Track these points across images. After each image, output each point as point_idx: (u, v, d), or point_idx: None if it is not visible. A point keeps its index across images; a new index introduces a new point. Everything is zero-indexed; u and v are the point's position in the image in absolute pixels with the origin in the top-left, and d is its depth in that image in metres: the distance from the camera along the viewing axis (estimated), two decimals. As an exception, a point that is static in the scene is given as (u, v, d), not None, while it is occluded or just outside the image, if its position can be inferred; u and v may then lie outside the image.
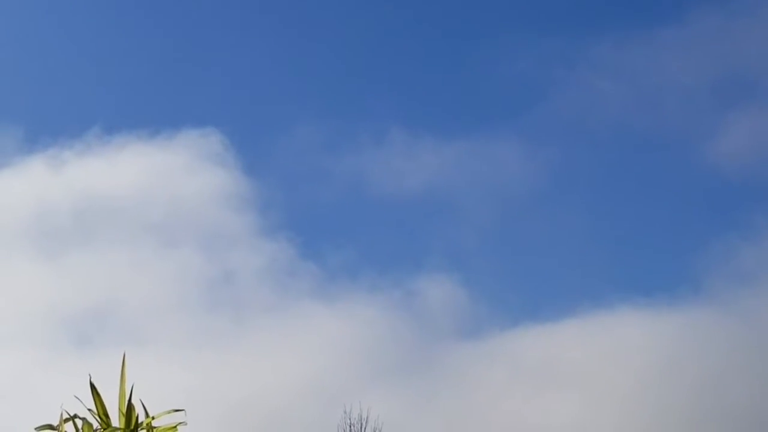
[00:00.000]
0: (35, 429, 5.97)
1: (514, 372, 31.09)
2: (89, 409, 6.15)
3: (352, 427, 24.07)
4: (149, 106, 37.19)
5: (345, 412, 24.28)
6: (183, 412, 6.26)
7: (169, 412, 6.30)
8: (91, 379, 6.14)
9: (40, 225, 32.79)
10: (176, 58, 36.57)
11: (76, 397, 6.08)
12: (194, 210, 34.26)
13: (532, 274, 35.66)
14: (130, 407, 6.23)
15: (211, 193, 34.01)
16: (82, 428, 6.07)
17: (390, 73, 35.87)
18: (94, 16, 35.89)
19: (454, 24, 35.68)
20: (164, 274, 33.25)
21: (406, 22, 35.80)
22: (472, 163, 35.05)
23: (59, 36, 35.88)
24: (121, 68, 36.71)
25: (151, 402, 6.26)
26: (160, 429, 6.27)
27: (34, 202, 32.61)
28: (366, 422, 24.18)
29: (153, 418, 6.28)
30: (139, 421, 6.26)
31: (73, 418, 6.04)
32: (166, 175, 34.31)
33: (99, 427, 6.14)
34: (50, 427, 5.98)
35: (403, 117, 35.35)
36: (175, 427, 6.29)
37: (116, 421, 6.22)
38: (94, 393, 6.19)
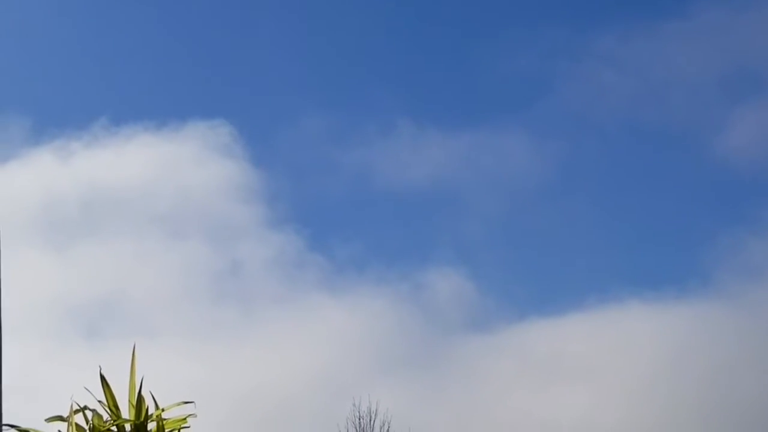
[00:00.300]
0: (45, 420, 5.93)
1: (522, 365, 31.04)
2: (99, 401, 6.11)
3: (361, 420, 24.05)
4: (156, 97, 37.15)
5: (354, 405, 24.26)
6: (193, 404, 6.22)
7: (179, 404, 6.26)
8: (101, 371, 6.10)
9: (47, 216, 32.78)
10: (183, 49, 36.52)
11: (86, 389, 6.04)
12: (202, 201, 34.24)
13: (539, 267, 35.59)
14: (140, 399, 6.20)
15: (219, 185, 33.98)
16: (92, 420, 6.03)
17: (396, 66, 35.76)
18: (101, 8, 35.82)
19: (459, 17, 35.57)
20: (171, 265, 33.24)
21: (412, 14, 35.70)
22: (479, 156, 34.98)
23: (66, 27, 35.84)
24: (128, 60, 36.66)
25: (159, 393, 6.23)
26: (169, 421, 6.23)
27: (41, 193, 32.61)
28: (375, 415, 24.15)
29: (163, 410, 6.23)
30: (149, 413, 6.22)
31: (83, 409, 6.00)
32: (174, 167, 34.28)
33: (109, 418, 6.10)
34: (60, 418, 5.94)
35: (409, 110, 35.26)
36: (185, 419, 6.25)
37: (126, 412, 6.18)
38: (104, 385, 6.15)
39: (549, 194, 35.57)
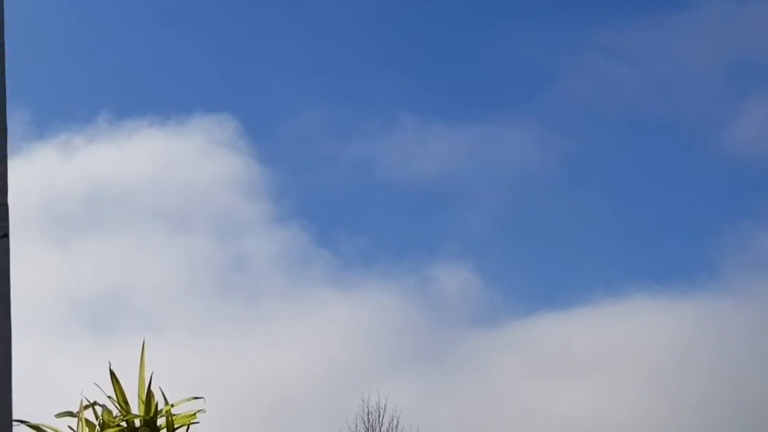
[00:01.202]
0: (55, 416, 5.88)
1: (529, 360, 31.00)
2: (109, 396, 6.06)
3: (370, 416, 24.00)
4: (160, 91, 37.06)
5: (363, 401, 24.20)
6: (202, 399, 6.17)
7: (188, 400, 6.21)
8: (111, 367, 6.05)
9: (50, 212, 32.76)
10: (187, 43, 36.45)
11: (96, 385, 5.99)
12: (206, 196, 34.18)
13: (546, 261, 35.50)
14: (149, 394, 6.14)
15: (223, 180, 33.91)
16: (101, 415, 5.98)
17: (398, 59, 35.60)
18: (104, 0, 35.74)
19: (462, 8, 35.44)
20: (176, 260, 33.20)
21: (415, 6, 35.57)
22: (483, 149, 34.85)
23: (68, 19, 35.77)
24: (131, 53, 36.60)
25: (165, 388, 6.18)
26: (179, 416, 6.18)
27: (44, 188, 32.57)
28: (384, 411, 24.09)
29: (172, 405, 6.18)
30: (159, 409, 6.16)
31: (93, 405, 5.94)
32: (178, 161, 34.22)
33: (119, 414, 6.05)
34: (70, 414, 5.89)
35: (412, 103, 35.13)
36: (194, 414, 6.20)
37: (136, 408, 6.13)
38: (114, 380, 6.09)
39: (555, 187, 35.49)
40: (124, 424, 6.01)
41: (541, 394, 29.61)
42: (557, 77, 34.70)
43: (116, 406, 6.06)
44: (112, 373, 6.07)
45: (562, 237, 34.51)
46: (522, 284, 34.19)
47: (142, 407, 6.10)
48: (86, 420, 5.89)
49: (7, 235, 2.68)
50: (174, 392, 6.22)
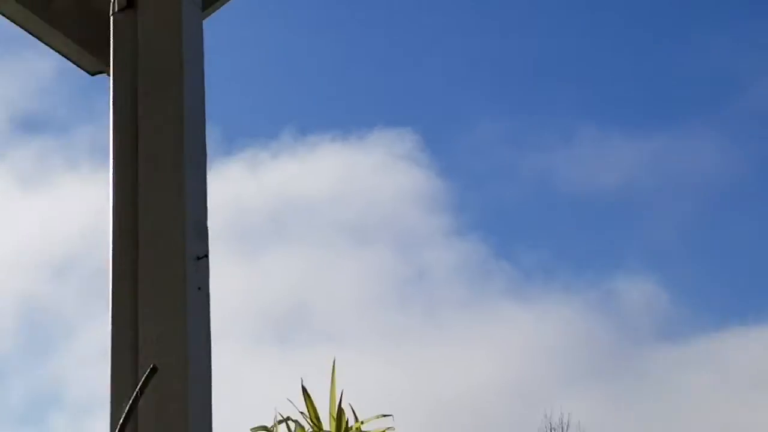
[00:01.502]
0: (251, 430, 5.98)
1: (722, 378, 29.89)
2: (301, 412, 6.10)
3: (553, 432, 23.59)
4: (341, 106, 37.66)
5: (545, 416, 23.83)
6: (391, 417, 6.15)
7: (377, 417, 6.20)
8: (303, 383, 6.10)
9: (239, 226, 33.67)
10: (366, 57, 36.92)
11: (289, 401, 6.05)
12: (387, 210, 34.50)
13: (737, 273, 34.17)
14: (340, 411, 6.16)
15: (405, 193, 34.15)
16: (294, 431, 6.02)
17: (576, 68, 35.02)
18: (284, 18, 36.58)
19: (642, 17, 34.65)
20: (359, 272, 33.61)
21: (595, 16, 34.99)
22: (667, 160, 33.83)
23: (253, 35, 36.78)
24: (313, 67, 37.33)
25: (352, 401, 6.19)
26: (368, 434, 6.18)
27: (232, 203, 33.51)
28: (567, 427, 23.66)
29: (362, 422, 6.18)
30: (349, 426, 6.17)
31: (286, 420, 6.00)
32: (359, 176, 34.66)
33: (311, 430, 6.08)
34: (265, 428, 5.96)
35: (590, 113, 34.47)
36: (384, 431, 6.19)
37: (327, 424, 6.15)
38: (306, 396, 6.14)
39: (744, 197, 34.16)
40: (315, 440, 6.04)
41: (735, 415, 28.52)
42: (748, 83, 33.46)
43: (308, 422, 6.09)
44: (304, 390, 6.12)
45: (752, 249, 33.20)
46: (712, 298, 33.02)
47: (333, 424, 6.12)
48: (280, 435, 5.95)
49: (207, 256, 2.65)
50: (360, 405, 6.22)
